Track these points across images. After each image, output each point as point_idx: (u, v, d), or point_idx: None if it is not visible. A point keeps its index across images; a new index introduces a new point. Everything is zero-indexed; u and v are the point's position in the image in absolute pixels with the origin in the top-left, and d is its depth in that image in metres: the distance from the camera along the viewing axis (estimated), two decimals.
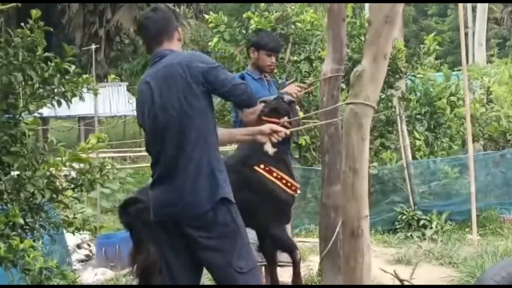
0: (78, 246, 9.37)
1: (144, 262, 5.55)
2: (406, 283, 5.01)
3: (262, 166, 5.85)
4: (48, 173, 4.66)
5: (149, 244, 5.40)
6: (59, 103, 4.75)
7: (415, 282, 6.97)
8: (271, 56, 6.76)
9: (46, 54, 4.64)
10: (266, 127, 5.02)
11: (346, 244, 4.98)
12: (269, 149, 5.69)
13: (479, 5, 23.04)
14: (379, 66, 4.97)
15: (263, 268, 6.72)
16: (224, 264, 4.47)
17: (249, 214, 5.85)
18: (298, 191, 6.14)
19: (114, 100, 29.18)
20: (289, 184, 5.89)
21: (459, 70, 15.90)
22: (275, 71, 10.36)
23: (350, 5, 11.36)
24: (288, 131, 5.24)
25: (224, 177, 4.49)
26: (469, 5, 24.38)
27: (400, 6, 4.99)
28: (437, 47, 11.23)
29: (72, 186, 4.89)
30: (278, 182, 5.89)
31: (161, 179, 4.55)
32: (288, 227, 7.13)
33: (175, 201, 4.45)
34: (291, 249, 6.16)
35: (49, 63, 4.66)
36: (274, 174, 5.88)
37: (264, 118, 5.70)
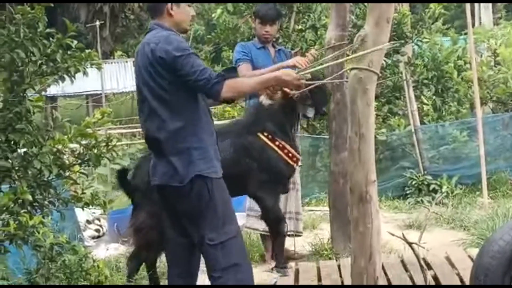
0: (88, 222, 9.40)
1: (139, 221, 5.91)
2: (414, 246, 5.02)
3: (265, 134, 5.90)
4: (54, 149, 4.68)
5: (145, 209, 5.80)
6: (63, 79, 4.76)
7: (426, 246, 7.00)
8: (265, 24, 6.79)
9: (48, 30, 4.64)
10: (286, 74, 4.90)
11: (355, 210, 4.99)
12: (264, 100, 5.79)
13: None
14: (382, 30, 4.96)
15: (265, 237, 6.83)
16: (198, 236, 4.69)
17: (247, 180, 5.96)
18: (299, 163, 6.18)
19: (121, 76, 29.22)
20: (290, 155, 5.92)
21: (466, 33, 15.79)
22: (280, 40, 10.35)
23: None
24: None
25: (201, 154, 4.62)
26: None
27: None
28: (443, 11, 11.15)
29: (79, 161, 4.91)
30: (279, 151, 5.95)
31: (149, 149, 4.89)
32: (298, 197, 7.18)
33: (157, 172, 4.71)
34: (277, 220, 6.23)
35: (51, 39, 4.67)
36: (277, 143, 5.94)
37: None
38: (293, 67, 6.05)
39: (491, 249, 4.77)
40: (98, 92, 22.22)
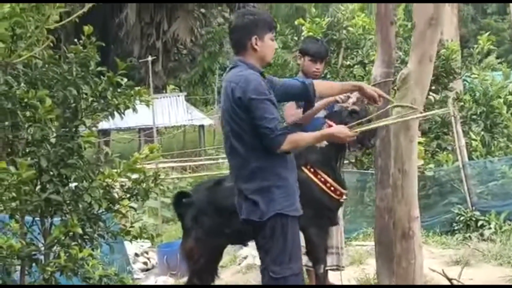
0: (137, 255, 9.56)
1: (188, 247, 6.19)
2: (455, 282, 5.05)
3: (308, 167, 5.97)
4: (104, 184, 4.80)
5: (193, 232, 6.13)
6: (113, 115, 4.91)
7: (473, 282, 6.98)
8: (316, 62, 6.85)
9: (99, 68, 4.80)
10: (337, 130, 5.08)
11: (398, 245, 5.07)
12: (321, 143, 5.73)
13: None
14: (424, 69, 5.05)
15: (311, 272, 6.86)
16: (263, 265, 4.95)
17: None
18: (344, 197, 6.22)
19: (173, 110, 29.50)
20: (332, 188, 5.97)
21: None
22: (328, 76, 10.45)
23: (401, 7, 11.39)
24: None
25: (284, 192, 4.84)
26: None
27: (443, 9, 5.06)
28: (492, 47, 11.16)
29: (128, 195, 5.04)
30: (322, 185, 6.01)
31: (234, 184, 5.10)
32: (341, 231, 7.22)
33: (241, 208, 5.00)
34: (317, 259, 6.28)
35: (102, 77, 4.82)
36: (319, 177, 6.00)
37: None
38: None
39: None
40: (150, 126, 22.48)
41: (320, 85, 5.30)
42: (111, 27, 32.98)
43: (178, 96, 31.28)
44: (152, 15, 32.15)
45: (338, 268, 7.15)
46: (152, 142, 17.68)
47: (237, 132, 4.84)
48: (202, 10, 34.78)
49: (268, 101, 4.72)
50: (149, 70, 15.07)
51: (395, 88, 5.28)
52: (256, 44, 4.90)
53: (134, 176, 5.01)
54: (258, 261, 7.98)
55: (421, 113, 4.93)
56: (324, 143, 5.59)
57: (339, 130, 4.98)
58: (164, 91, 33.45)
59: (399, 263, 5.10)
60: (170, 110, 29.28)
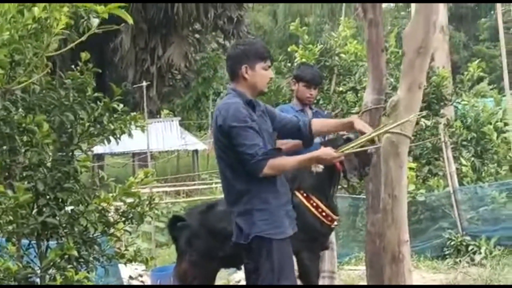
0: (131, 278, 9.62)
1: (183, 270, 6.30)
2: None
3: (301, 191, 6.06)
4: (100, 207, 4.88)
5: (187, 255, 6.24)
6: (109, 140, 5.01)
7: None
8: (310, 88, 6.98)
9: (96, 94, 4.90)
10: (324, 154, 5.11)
11: (388, 269, 5.17)
12: (317, 168, 5.66)
13: None
14: (414, 96, 5.17)
15: None
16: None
17: None
18: (336, 223, 6.30)
19: (167, 135, 29.64)
20: (324, 214, 6.05)
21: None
22: (321, 102, 10.58)
23: (393, 34, 11.56)
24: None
25: (264, 216, 4.95)
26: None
27: (432, 38, 5.19)
28: (482, 74, 11.32)
29: (123, 219, 5.12)
30: (314, 210, 6.09)
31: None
32: (334, 256, 7.31)
33: (233, 230, 5.14)
34: (309, 283, 6.35)
35: (98, 102, 4.92)
36: (311, 202, 6.08)
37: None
38: None
39: None
40: (144, 151, 22.60)
41: (316, 124, 5.50)
42: (106, 52, 33.13)
43: (172, 120, 31.42)
44: (146, 41, 32.28)
45: None
46: (146, 166, 17.77)
47: (223, 157, 5.03)
48: (197, 36, 35.00)
49: (248, 128, 4.86)
50: (144, 95, 15.16)
51: (386, 114, 5.38)
52: (246, 72, 5.06)
53: (129, 200, 5.09)
54: None
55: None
56: (320, 167, 5.63)
57: (325, 152, 5.03)
58: (158, 116, 33.59)
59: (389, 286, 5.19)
60: (164, 135, 29.42)
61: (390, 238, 5.16)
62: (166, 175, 25.66)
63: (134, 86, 25.87)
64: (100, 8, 3.85)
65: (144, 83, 15.15)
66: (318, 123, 5.53)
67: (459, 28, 58.47)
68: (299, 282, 6.63)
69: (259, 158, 4.79)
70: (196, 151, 32.12)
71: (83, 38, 4.00)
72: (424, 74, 5.30)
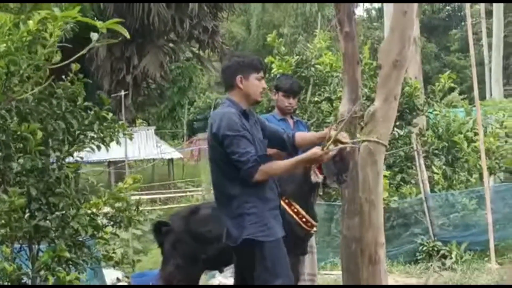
0: (118, 279, 9.79)
1: (168, 273, 6.53)
2: None
3: (284, 198, 6.28)
4: (89, 212, 5.08)
5: (172, 259, 6.48)
6: (99, 148, 5.21)
7: None
8: (289, 97, 7.23)
9: (86, 103, 5.10)
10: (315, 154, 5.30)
11: (365, 270, 5.42)
12: (317, 178, 5.88)
13: (494, 44, 23.45)
14: (390, 106, 5.44)
15: None
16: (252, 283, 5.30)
17: None
18: (315, 228, 6.52)
19: (143, 144, 29.77)
20: (304, 220, 6.27)
21: (483, 105, 16.23)
22: (297, 111, 10.81)
23: (366, 46, 11.84)
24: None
25: (254, 219, 5.18)
26: (485, 42, 24.95)
27: (407, 52, 5.46)
28: (452, 84, 11.64)
29: (112, 223, 5.33)
30: (295, 216, 6.31)
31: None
32: (314, 259, 7.57)
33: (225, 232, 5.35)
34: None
35: (88, 111, 5.11)
36: (292, 207, 6.30)
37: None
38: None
39: None
40: (119, 159, 22.71)
41: (297, 138, 5.77)
42: (81, 61, 33.03)
43: (148, 130, 31.57)
44: (122, 50, 32.29)
45: None
46: (123, 174, 17.88)
47: (217, 162, 5.26)
48: (172, 46, 35.10)
49: (241, 137, 5.09)
50: (122, 104, 15.32)
51: (362, 123, 5.63)
52: (241, 82, 5.30)
53: (118, 204, 5.29)
54: None
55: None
56: (320, 177, 5.78)
57: (312, 152, 5.24)
58: (134, 125, 33.67)
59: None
60: (140, 144, 29.53)
61: (368, 241, 5.40)
62: (143, 183, 25.78)
63: (111, 95, 25.97)
64: (99, 23, 4.05)
65: (122, 92, 15.32)
66: (299, 138, 5.78)
67: (430, 39, 59.03)
68: None
69: (251, 165, 5.03)
70: (171, 159, 32.29)
71: (83, 52, 4.19)
72: (399, 86, 5.55)
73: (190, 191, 20.82)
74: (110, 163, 27.52)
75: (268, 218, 5.25)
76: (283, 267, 5.30)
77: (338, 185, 6.00)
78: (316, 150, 5.26)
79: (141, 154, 28.81)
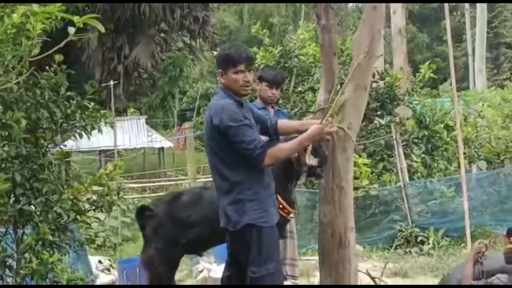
0: (100, 262, 9.99)
1: (148, 256, 6.72)
2: (377, 280, 5.67)
3: None
4: (72, 197, 5.29)
5: (153, 242, 6.66)
6: (81, 136, 5.43)
7: None
8: (272, 88, 7.45)
9: (69, 93, 5.31)
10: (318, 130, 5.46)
11: (335, 254, 5.67)
12: (312, 161, 5.89)
13: (477, 35, 23.70)
14: (359, 96, 5.67)
15: None
16: (245, 266, 5.50)
17: None
18: (292, 215, 6.76)
19: (134, 133, 29.92)
20: (281, 206, 6.49)
21: (465, 95, 16.47)
22: (281, 101, 11.05)
23: (349, 37, 12.05)
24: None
25: (256, 205, 5.39)
26: (469, 33, 25.23)
27: (377, 44, 5.69)
28: (432, 75, 11.90)
29: (93, 207, 5.55)
30: None
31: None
32: (295, 245, 7.85)
33: (221, 217, 5.53)
34: None
35: (71, 100, 5.32)
36: None
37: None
38: None
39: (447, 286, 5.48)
40: (110, 148, 22.90)
41: (280, 125, 5.92)
42: (72, 51, 33.19)
43: (139, 119, 31.71)
44: (113, 40, 32.44)
45: (293, 277, 7.79)
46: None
47: (217, 152, 5.41)
48: (163, 35, 35.23)
49: (244, 126, 5.26)
50: (111, 93, 15.51)
51: (334, 113, 5.82)
52: (221, 76, 5.49)
53: (99, 189, 5.51)
54: (213, 275, 8.57)
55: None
56: (315, 160, 5.76)
57: (314, 128, 5.40)
58: (125, 114, 33.82)
59: (336, 270, 5.66)
60: (130, 133, 29.69)
61: (337, 226, 5.63)
62: (133, 172, 25.98)
63: (102, 84, 26.13)
64: (75, 18, 4.27)
65: (112, 82, 15.51)
66: (281, 125, 5.93)
67: (422, 29, 59.21)
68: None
69: (259, 151, 5.21)
70: (162, 148, 32.47)
71: (61, 45, 4.41)
72: (369, 77, 5.77)
73: (179, 180, 21.00)
74: (101, 151, 27.70)
75: (269, 204, 5.50)
76: (275, 253, 5.57)
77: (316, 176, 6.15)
78: (317, 125, 5.42)
79: (131, 142, 28.99)
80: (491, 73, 47.11)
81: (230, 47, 5.66)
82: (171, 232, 6.61)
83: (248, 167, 5.34)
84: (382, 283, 5.94)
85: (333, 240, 5.72)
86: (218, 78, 5.67)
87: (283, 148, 5.46)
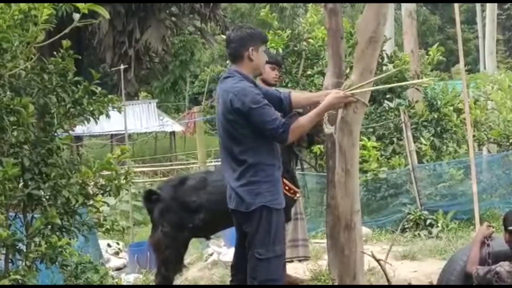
0: (109, 245, 10.10)
1: (156, 239, 6.84)
2: (382, 262, 5.70)
3: None
4: (80, 181, 5.34)
5: (160, 226, 6.77)
6: (88, 120, 5.48)
7: (415, 274, 7.67)
8: (275, 69, 7.50)
9: (76, 78, 5.35)
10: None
11: (342, 236, 5.70)
12: (330, 129, 5.92)
13: (488, 15, 23.56)
14: (365, 80, 5.67)
15: None
16: (251, 249, 5.55)
17: None
18: (298, 195, 6.83)
19: (145, 117, 30.00)
20: (287, 188, 6.55)
21: (475, 78, 16.40)
22: (290, 85, 11.08)
23: (358, 21, 12.02)
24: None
25: (269, 188, 5.48)
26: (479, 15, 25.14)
27: (383, 28, 5.70)
28: (441, 58, 11.87)
29: (102, 191, 5.60)
30: None
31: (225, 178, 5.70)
32: (304, 225, 7.96)
33: (231, 199, 5.60)
34: None
35: (78, 86, 5.36)
36: None
37: None
38: None
39: (453, 268, 5.51)
40: (122, 132, 22.99)
41: (295, 96, 5.94)
42: (84, 35, 33.26)
43: (150, 103, 31.78)
44: (124, 24, 32.47)
45: (305, 258, 7.92)
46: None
47: (233, 135, 5.46)
48: (173, 19, 35.24)
49: (266, 106, 5.33)
50: (122, 77, 15.55)
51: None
52: (252, 54, 5.50)
53: (107, 173, 5.56)
54: (222, 258, 8.64)
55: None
56: (332, 128, 5.80)
57: (333, 96, 5.43)
58: (136, 98, 33.88)
59: (342, 252, 5.70)
60: (142, 117, 29.78)
61: (344, 208, 5.65)
62: (144, 156, 26.11)
63: (112, 69, 26.15)
64: (80, 4, 4.31)
65: (122, 66, 15.50)
66: (295, 98, 5.89)
67: (434, 12, 58.87)
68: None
69: (282, 129, 5.28)
70: (173, 132, 32.56)
71: (66, 31, 4.45)
72: (375, 60, 5.77)
73: (190, 164, 21.09)
74: (112, 135, 27.79)
75: (280, 187, 5.62)
76: (282, 235, 5.65)
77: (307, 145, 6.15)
78: (337, 93, 5.44)
79: (143, 126, 29.06)
80: (503, 55, 46.86)
81: (252, 27, 5.75)
82: (177, 216, 6.69)
83: (264, 150, 5.44)
84: (388, 266, 5.95)
85: (339, 223, 5.74)
86: (228, 61, 5.66)
87: (303, 121, 5.48)
